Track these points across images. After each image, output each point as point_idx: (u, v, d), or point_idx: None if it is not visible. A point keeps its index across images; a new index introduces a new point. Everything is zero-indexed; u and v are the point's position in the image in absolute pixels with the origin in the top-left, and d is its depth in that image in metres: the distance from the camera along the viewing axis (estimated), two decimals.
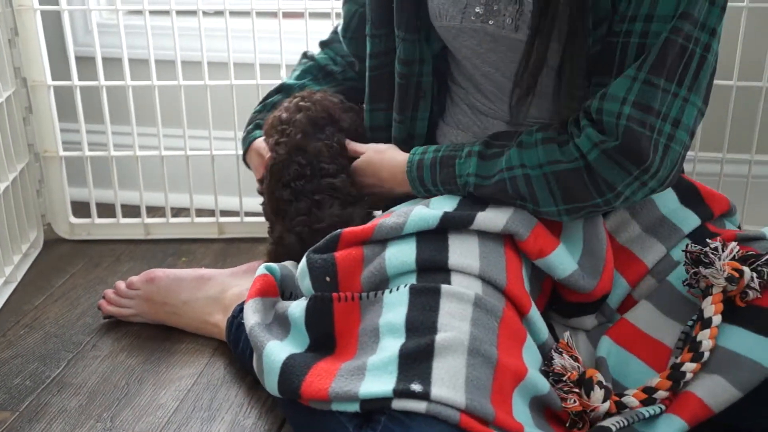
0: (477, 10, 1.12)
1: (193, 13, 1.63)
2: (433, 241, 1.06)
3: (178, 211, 1.80)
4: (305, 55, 1.46)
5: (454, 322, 0.97)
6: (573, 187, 1.05)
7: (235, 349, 1.27)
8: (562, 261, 1.10)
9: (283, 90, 1.40)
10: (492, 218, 1.08)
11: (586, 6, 1.03)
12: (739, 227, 1.25)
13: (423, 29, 1.19)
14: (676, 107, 1.02)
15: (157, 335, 1.38)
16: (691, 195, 1.20)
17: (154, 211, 1.79)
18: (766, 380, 1.01)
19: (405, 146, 1.23)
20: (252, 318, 1.12)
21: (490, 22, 1.11)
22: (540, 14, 1.04)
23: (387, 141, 1.26)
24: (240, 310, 1.26)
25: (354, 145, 1.26)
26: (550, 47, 1.05)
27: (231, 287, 1.36)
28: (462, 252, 1.05)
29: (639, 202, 1.14)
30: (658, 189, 1.07)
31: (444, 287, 1.00)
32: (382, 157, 1.23)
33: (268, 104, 1.40)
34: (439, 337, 0.95)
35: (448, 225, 1.07)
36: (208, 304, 1.35)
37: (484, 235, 1.08)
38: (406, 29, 1.19)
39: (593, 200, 1.06)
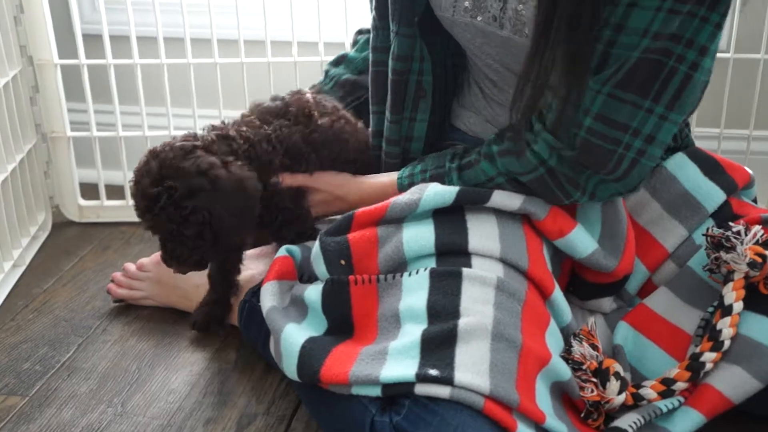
0: (466, 4, 1.10)
1: None
2: (451, 222, 1.05)
3: None
4: (360, 31, 1.43)
5: (477, 307, 0.96)
6: (541, 192, 1.06)
7: (246, 332, 1.25)
8: (583, 240, 1.08)
9: (343, 62, 1.38)
10: (508, 198, 1.07)
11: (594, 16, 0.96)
12: (755, 200, 1.22)
13: (423, 24, 1.15)
14: (651, 123, 0.99)
15: (168, 319, 1.36)
16: (712, 166, 1.17)
17: None
18: None
19: (398, 149, 1.21)
20: (269, 301, 1.11)
21: (478, 18, 1.09)
22: (543, 25, 0.97)
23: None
24: (252, 293, 1.25)
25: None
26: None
27: (243, 271, 1.32)
28: (482, 234, 1.04)
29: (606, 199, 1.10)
30: (625, 192, 1.06)
31: (465, 271, 0.99)
32: (356, 180, 1.23)
33: (329, 77, 1.38)
34: (462, 322, 0.94)
35: (464, 201, 1.06)
36: None
37: (501, 215, 1.06)
38: (399, 22, 1.15)
39: (560, 201, 1.07)
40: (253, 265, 1.34)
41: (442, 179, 1.12)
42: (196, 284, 1.34)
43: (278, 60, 1.63)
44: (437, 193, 1.06)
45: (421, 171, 1.15)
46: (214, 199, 1.08)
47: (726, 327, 1.01)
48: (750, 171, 1.19)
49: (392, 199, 1.07)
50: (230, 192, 1.09)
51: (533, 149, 1.03)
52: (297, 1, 1.60)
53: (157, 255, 1.37)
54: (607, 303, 1.15)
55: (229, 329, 1.31)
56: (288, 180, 1.20)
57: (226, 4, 1.63)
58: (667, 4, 0.94)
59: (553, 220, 1.07)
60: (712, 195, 1.14)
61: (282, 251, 1.19)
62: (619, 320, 1.12)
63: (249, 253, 1.38)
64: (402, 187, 1.16)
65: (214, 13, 1.60)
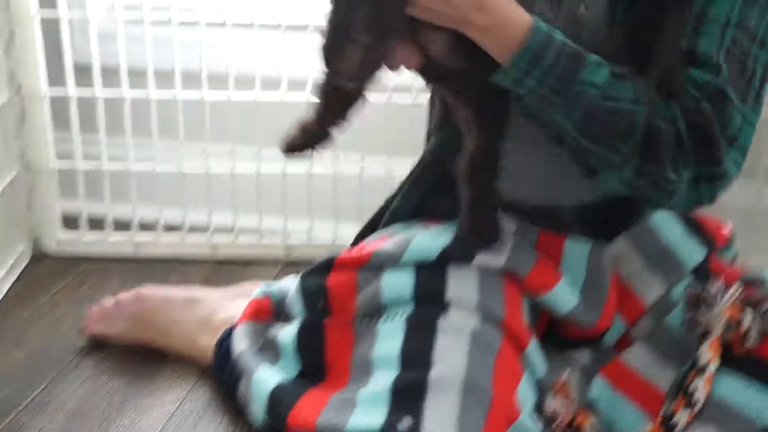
0: None
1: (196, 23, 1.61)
2: (431, 272, 1.05)
3: (170, 228, 1.77)
4: None
5: (450, 357, 0.95)
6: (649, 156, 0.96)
7: (220, 373, 1.24)
8: (563, 297, 1.08)
9: None
10: (492, 256, 1.06)
11: None
12: (734, 259, 1.23)
13: None
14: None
15: (142, 357, 1.34)
16: (694, 224, 1.18)
17: (146, 227, 1.75)
18: None
19: None
20: (241, 343, 1.11)
21: None
22: None
23: None
24: (228, 333, 1.24)
25: None
26: None
27: (221, 310, 1.32)
28: (460, 284, 1.04)
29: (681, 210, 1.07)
30: (705, 201, 1.01)
31: (441, 320, 0.99)
32: None
33: None
34: (434, 373, 0.93)
35: (448, 259, 1.06)
36: (197, 325, 1.32)
37: (484, 269, 1.06)
38: None
39: (661, 184, 0.97)
40: (232, 304, 1.33)
41: (579, 61, 0.93)
42: (173, 321, 1.33)
43: (266, 98, 1.64)
44: (422, 249, 1.06)
45: (560, 36, 0.94)
46: None
47: (700, 387, 1.01)
48: (729, 232, 1.20)
49: (375, 249, 1.07)
50: None
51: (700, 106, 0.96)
52: (287, 38, 1.61)
53: (135, 291, 1.37)
54: (585, 356, 1.15)
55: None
56: None
57: (221, 38, 1.63)
58: None
59: (535, 277, 1.07)
60: (692, 253, 1.15)
61: (258, 292, 1.19)
62: (596, 373, 1.12)
63: (228, 291, 1.39)
64: (538, 30, 0.92)
65: (206, 48, 1.60)
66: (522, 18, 0.91)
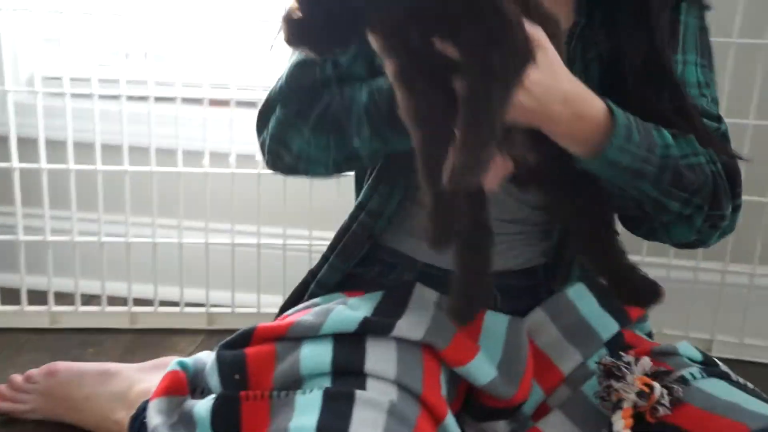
0: None
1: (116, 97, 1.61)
2: (350, 344, 1.05)
3: (88, 299, 1.74)
4: None
5: (366, 431, 0.94)
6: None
7: None
8: (482, 368, 1.09)
9: None
10: (412, 328, 1.06)
11: None
12: (648, 334, 1.25)
13: None
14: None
15: None
16: (609, 298, 1.19)
17: (63, 298, 1.72)
18: None
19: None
20: (156, 418, 1.07)
21: None
22: None
23: None
24: (144, 408, 1.19)
25: None
26: None
27: (138, 383, 1.31)
28: (379, 357, 1.03)
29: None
30: (714, 240, 1.08)
31: (358, 393, 0.98)
32: (562, 69, 0.91)
33: None
34: None
35: (368, 330, 1.06)
36: (112, 400, 1.30)
37: (402, 341, 1.06)
38: None
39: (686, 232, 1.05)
40: (148, 377, 1.31)
41: (650, 128, 0.96)
42: (86, 396, 1.30)
43: (188, 170, 1.63)
44: (341, 320, 1.06)
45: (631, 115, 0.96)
46: None
47: None
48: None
49: (295, 320, 1.06)
50: None
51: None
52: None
53: (47, 366, 1.33)
54: (502, 426, 1.14)
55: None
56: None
57: (141, 111, 1.63)
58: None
59: (454, 350, 1.08)
60: (607, 325, 1.17)
61: (173, 365, 1.16)
62: None
63: (145, 364, 1.36)
64: (617, 110, 0.94)
65: (128, 121, 1.61)
66: (597, 102, 0.93)
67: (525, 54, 0.82)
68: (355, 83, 1.04)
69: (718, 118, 1.09)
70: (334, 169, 1.09)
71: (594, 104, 0.93)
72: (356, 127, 1.03)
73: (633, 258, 1.01)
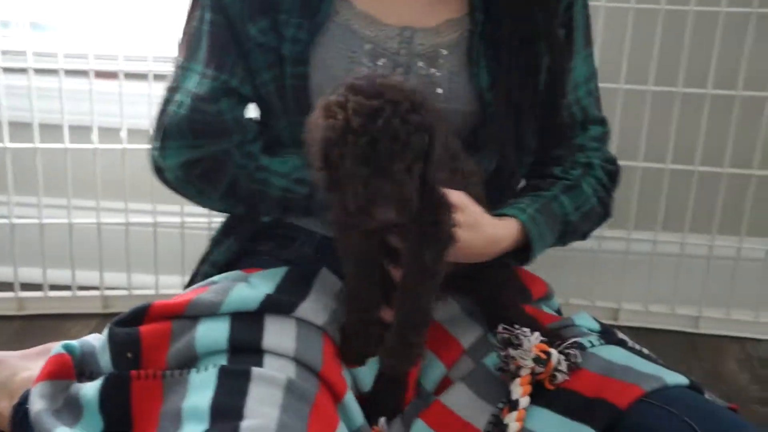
0: None
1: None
2: (248, 321, 1.03)
3: None
4: None
5: (262, 408, 0.93)
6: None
7: None
8: (366, 378, 1.09)
9: None
10: (314, 312, 1.06)
11: None
12: (558, 311, 1.28)
13: None
14: None
15: None
16: (509, 275, 1.20)
17: None
18: None
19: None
20: (38, 403, 1.04)
21: None
22: None
23: None
24: (27, 395, 1.14)
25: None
26: None
27: (21, 371, 1.24)
28: (277, 333, 1.02)
29: None
30: None
31: (255, 370, 0.97)
32: (485, 221, 1.08)
33: None
34: (245, 424, 0.90)
35: (269, 309, 1.04)
36: None
37: (303, 321, 1.05)
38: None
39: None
40: (33, 364, 1.24)
41: (549, 206, 1.16)
42: None
43: (76, 146, 1.58)
44: (242, 298, 1.04)
45: (528, 206, 1.14)
46: (435, 123, 0.91)
47: (512, 421, 1.02)
48: (548, 285, 1.27)
49: (193, 297, 1.04)
50: (442, 122, 0.94)
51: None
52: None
53: None
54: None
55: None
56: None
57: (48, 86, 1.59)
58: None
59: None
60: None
61: (58, 348, 1.12)
62: (415, 417, 1.11)
63: (30, 351, 1.29)
64: (526, 222, 1.11)
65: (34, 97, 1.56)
66: (513, 228, 1.11)
67: (449, 239, 0.98)
68: (259, 158, 1.13)
69: (602, 121, 1.25)
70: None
71: (511, 233, 1.11)
72: (267, 210, 1.15)
73: None
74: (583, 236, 1.24)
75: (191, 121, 1.13)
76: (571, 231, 1.18)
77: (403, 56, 1.13)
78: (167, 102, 1.14)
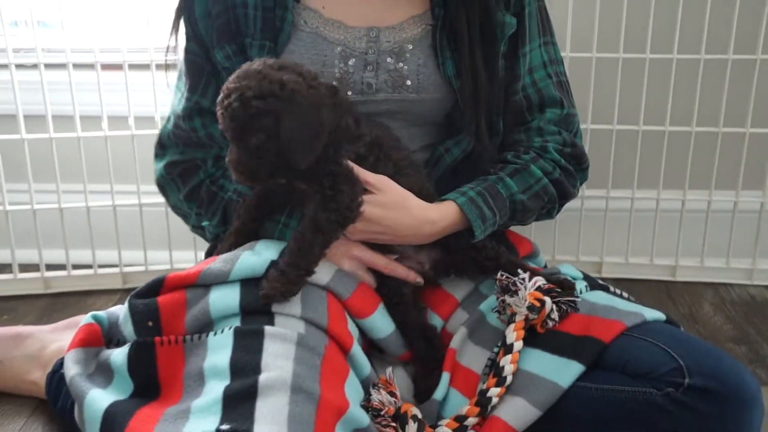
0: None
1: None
2: (256, 286, 1.08)
3: (1, 268, 1.74)
4: None
5: (277, 362, 0.98)
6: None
7: (54, 404, 1.23)
8: (381, 321, 1.16)
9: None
10: (317, 274, 1.11)
11: None
12: (545, 267, 1.33)
13: None
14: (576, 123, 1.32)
15: None
16: (498, 236, 1.29)
17: None
18: (563, 398, 1.07)
19: None
20: (72, 369, 1.10)
21: (349, 93, 1.21)
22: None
23: None
24: (61, 364, 1.23)
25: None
26: None
27: (51, 343, 1.32)
28: None
29: None
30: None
31: (267, 328, 1.02)
32: (412, 203, 1.16)
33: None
34: (263, 377, 0.96)
35: None
36: (26, 361, 1.31)
37: (307, 284, 1.10)
38: None
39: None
40: (61, 336, 1.33)
41: (495, 189, 1.20)
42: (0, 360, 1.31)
43: (88, 135, 1.64)
44: (248, 266, 1.09)
45: (470, 189, 1.20)
46: (284, 108, 1.03)
47: (508, 363, 1.09)
48: (533, 244, 1.34)
49: (203, 268, 1.09)
50: (302, 107, 1.04)
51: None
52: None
53: None
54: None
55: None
56: (355, 168, 1.13)
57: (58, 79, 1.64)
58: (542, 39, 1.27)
59: (357, 300, 1.14)
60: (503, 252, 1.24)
61: (87, 318, 1.18)
62: None
63: (58, 324, 1.37)
64: (463, 203, 1.17)
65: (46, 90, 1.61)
66: (450, 210, 1.17)
67: (347, 208, 1.10)
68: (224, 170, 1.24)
69: (561, 103, 1.28)
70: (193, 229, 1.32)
71: (446, 215, 1.17)
72: (211, 215, 1.25)
73: None
74: (548, 214, 1.28)
75: (173, 135, 1.27)
76: (522, 210, 1.22)
77: (372, 54, 1.21)
78: (166, 120, 1.29)
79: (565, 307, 1.13)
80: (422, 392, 1.17)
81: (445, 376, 1.15)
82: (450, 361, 1.16)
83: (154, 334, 1.07)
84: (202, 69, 1.24)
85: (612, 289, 1.25)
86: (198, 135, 1.25)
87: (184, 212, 1.30)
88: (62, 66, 1.63)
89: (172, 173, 1.27)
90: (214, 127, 1.23)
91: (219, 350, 1.02)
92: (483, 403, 1.08)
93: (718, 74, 1.67)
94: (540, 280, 1.15)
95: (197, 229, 1.30)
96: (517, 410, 1.07)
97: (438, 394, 1.14)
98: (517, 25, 1.25)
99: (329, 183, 1.10)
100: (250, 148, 1.05)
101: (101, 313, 1.20)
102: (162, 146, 1.29)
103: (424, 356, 1.18)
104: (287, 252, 1.10)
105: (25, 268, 1.71)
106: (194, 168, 1.25)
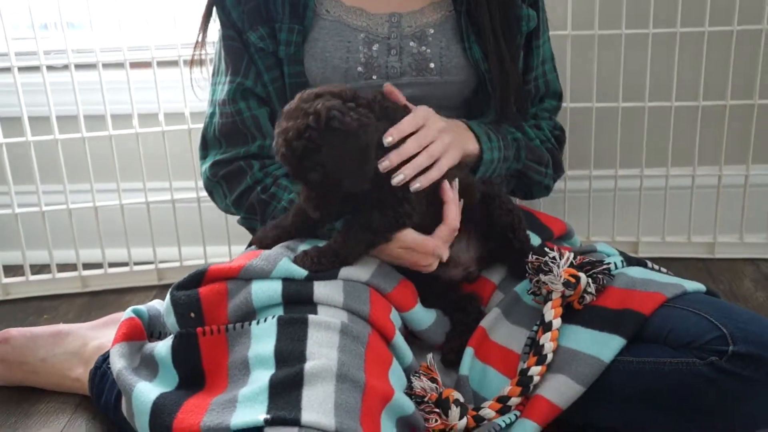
0: (359, 69, 1.24)
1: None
2: (297, 282, 1.09)
3: (40, 268, 1.76)
4: None
5: (322, 350, 0.99)
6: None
7: (98, 400, 1.24)
8: (422, 315, 1.18)
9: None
10: (358, 271, 1.12)
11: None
12: (580, 246, 1.34)
13: None
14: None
15: (14, 397, 1.33)
16: (530, 220, 1.30)
17: (13, 270, 1.74)
18: (605, 373, 1.07)
19: None
20: (119, 362, 1.11)
21: (374, 77, 1.24)
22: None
23: None
24: (103, 360, 1.25)
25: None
26: None
27: (92, 340, 1.33)
28: (326, 286, 1.09)
29: None
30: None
31: (311, 317, 1.03)
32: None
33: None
34: (308, 366, 0.97)
35: (315, 278, 1.10)
36: (68, 359, 1.32)
37: (348, 281, 1.11)
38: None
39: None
40: (101, 333, 1.34)
41: (498, 126, 1.28)
42: (42, 358, 1.33)
43: (106, 134, 1.65)
44: (288, 269, 1.09)
45: (479, 123, 1.26)
46: (323, 139, 1.04)
47: (547, 341, 1.09)
48: (567, 224, 1.36)
49: (245, 263, 1.10)
50: (341, 133, 1.04)
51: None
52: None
53: (0, 333, 1.34)
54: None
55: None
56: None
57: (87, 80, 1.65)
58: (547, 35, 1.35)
59: (399, 294, 1.15)
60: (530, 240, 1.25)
61: (128, 313, 1.20)
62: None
63: (97, 322, 1.38)
64: (478, 129, 1.24)
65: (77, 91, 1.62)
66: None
67: (405, 220, 1.12)
68: (274, 177, 1.26)
69: (560, 96, 1.42)
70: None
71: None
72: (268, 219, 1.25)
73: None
74: (546, 184, 1.35)
75: (219, 125, 1.28)
76: (526, 149, 1.29)
77: (394, 39, 1.24)
78: (206, 118, 1.30)
79: (601, 278, 1.13)
80: (448, 353, 1.19)
81: (469, 351, 1.16)
82: (477, 338, 1.17)
83: (196, 324, 1.08)
84: (241, 52, 1.26)
85: (650, 264, 1.25)
86: (243, 118, 1.27)
87: (234, 214, 1.33)
88: (91, 66, 1.64)
89: (216, 175, 1.28)
90: (257, 109, 1.27)
91: (263, 339, 1.03)
92: (524, 382, 1.09)
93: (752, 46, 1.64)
94: (570, 257, 1.15)
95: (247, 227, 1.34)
96: (559, 387, 1.08)
97: (463, 368, 1.15)
98: (535, 15, 1.30)
99: (401, 191, 1.11)
100: (314, 184, 1.07)
101: (141, 307, 1.22)
102: (204, 146, 1.31)
103: (461, 320, 1.21)
104: (331, 240, 1.13)
105: (63, 267, 1.73)
106: (239, 172, 1.27)
